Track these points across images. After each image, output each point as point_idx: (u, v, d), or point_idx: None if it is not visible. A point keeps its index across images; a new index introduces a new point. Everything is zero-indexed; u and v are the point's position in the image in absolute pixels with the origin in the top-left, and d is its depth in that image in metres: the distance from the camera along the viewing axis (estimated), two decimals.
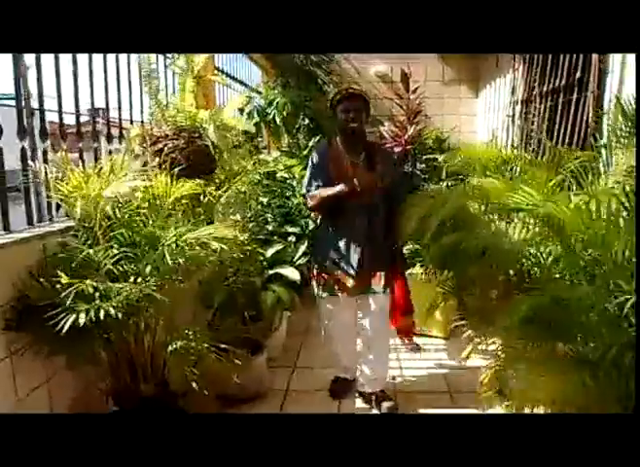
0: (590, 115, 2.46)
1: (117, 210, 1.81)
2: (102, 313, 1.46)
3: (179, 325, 1.94)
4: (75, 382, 1.94)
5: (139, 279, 1.62)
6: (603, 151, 1.75)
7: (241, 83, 4.61)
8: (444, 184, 3.42)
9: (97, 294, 1.54)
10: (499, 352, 1.61)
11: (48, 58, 2.01)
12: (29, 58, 1.95)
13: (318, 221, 2.57)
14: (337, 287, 2.49)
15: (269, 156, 4.22)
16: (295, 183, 3.74)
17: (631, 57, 2.12)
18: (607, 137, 1.86)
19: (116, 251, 1.68)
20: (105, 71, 2.43)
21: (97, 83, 2.37)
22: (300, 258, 3.05)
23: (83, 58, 2.27)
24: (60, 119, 2.14)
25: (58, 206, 2.05)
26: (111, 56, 2.47)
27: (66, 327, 1.43)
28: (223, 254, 1.89)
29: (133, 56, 2.56)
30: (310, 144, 4.04)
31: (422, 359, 3.18)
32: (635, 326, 1.16)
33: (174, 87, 2.90)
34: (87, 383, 1.96)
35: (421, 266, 2.27)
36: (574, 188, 1.72)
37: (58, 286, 1.51)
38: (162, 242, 1.73)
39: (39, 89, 2.00)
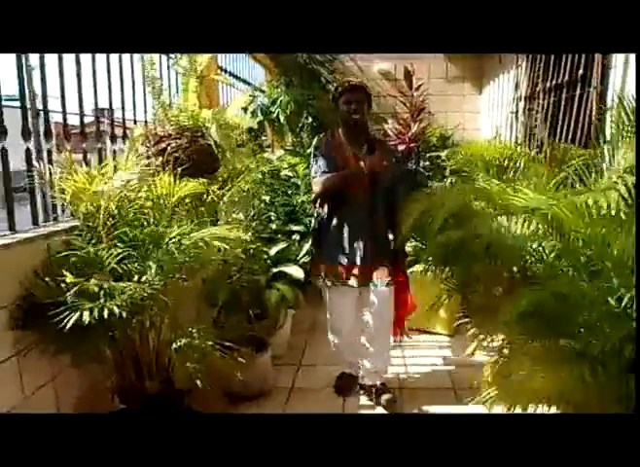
0: (594, 111, 2.45)
1: (121, 209, 1.83)
2: (106, 312, 1.47)
3: (184, 323, 1.95)
4: (80, 380, 1.96)
5: (143, 278, 1.63)
6: (606, 148, 1.75)
7: (244, 82, 4.62)
8: (448, 181, 3.41)
9: (102, 292, 1.55)
10: (502, 347, 1.61)
11: (51, 59, 2.03)
12: (33, 59, 1.97)
13: (322, 214, 2.56)
14: (339, 279, 2.49)
15: (273, 154, 4.22)
16: (299, 181, 3.74)
17: (632, 56, 2.12)
18: (610, 134, 1.85)
19: (120, 250, 1.69)
20: (109, 71, 2.45)
21: (101, 83, 2.39)
22: (304, 256, 3.05)
23: (86, 59, 2.30)
24: (64, 119, 2.16)
25: (64, 207, 2.07)
26: (114, 57, 2.48)
27: (69, 324, 1.44)
28: (227, 253, 1.90)
29: (137, 57, 2.56)
30: (314, 142, 4.04)
31: (427, 356, 3.19)
32: (635, 325, 1.16)
33: (177, 86, 2.92)
34: (92, 381, 1.98)
35: (425, 263, 2.27)
36: (577, 185, 1.72)
37: (63, 285, 1.53)
38: (167, 241, 1.74)
39: (43, 90, 2.03)
